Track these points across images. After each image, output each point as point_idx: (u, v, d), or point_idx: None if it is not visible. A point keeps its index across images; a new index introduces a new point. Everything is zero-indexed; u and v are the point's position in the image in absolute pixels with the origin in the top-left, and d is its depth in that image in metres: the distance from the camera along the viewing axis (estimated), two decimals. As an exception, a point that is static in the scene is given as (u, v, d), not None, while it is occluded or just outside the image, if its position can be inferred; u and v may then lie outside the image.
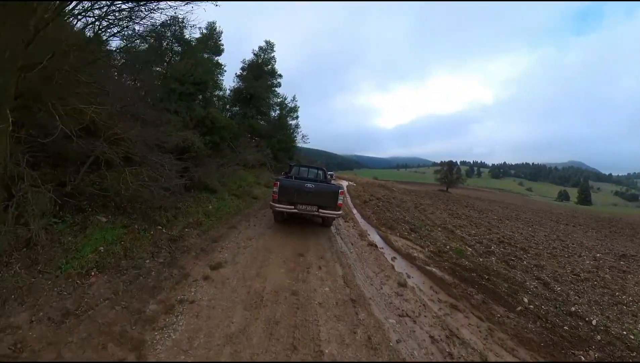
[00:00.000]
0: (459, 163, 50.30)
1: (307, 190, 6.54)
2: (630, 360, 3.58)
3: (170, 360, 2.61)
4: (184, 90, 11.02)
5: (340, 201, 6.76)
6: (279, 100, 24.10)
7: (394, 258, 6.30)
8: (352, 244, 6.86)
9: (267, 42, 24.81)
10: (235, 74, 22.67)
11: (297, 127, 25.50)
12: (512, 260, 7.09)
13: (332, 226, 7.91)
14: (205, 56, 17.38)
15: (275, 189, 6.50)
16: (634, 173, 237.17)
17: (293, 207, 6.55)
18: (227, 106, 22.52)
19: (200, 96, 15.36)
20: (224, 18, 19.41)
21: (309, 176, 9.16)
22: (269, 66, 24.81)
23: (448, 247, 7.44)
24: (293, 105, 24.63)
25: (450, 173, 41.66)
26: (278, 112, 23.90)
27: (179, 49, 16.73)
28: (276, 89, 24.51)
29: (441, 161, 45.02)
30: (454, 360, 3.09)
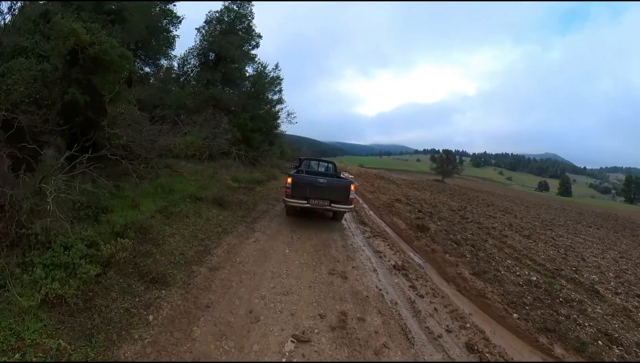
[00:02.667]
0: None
1: (319, 185, 6.52)
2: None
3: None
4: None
5: (351, 196, 6.73)
6: (255, 66, 18.65)
7: None
8: None
9: (243, -8, 19.23)
10: (195, 28, 17.03)
11: (281, 103, 19.64)
12: None
13: None
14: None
15: (289, 184, 6.47)
16: (606, 167, 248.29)
17: (306, 202, 6.55)
18: (193, 81, 16.95)
19: (129, 48, 10.12)
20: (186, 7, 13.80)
21: (319, 170, 9.37)
22: (245, 23, 19.35)
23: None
24: (275, 74, 19.11)
25: (447, 163, 38.28)
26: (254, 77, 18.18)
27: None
28: (253, 52, 19.17)
29: (443, 150, 41.72)
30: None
